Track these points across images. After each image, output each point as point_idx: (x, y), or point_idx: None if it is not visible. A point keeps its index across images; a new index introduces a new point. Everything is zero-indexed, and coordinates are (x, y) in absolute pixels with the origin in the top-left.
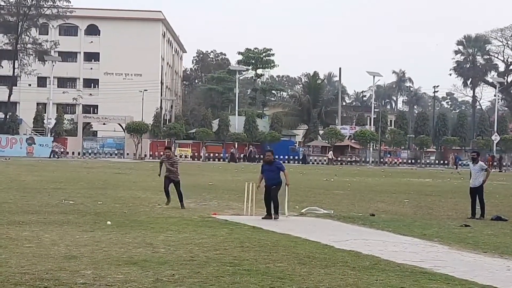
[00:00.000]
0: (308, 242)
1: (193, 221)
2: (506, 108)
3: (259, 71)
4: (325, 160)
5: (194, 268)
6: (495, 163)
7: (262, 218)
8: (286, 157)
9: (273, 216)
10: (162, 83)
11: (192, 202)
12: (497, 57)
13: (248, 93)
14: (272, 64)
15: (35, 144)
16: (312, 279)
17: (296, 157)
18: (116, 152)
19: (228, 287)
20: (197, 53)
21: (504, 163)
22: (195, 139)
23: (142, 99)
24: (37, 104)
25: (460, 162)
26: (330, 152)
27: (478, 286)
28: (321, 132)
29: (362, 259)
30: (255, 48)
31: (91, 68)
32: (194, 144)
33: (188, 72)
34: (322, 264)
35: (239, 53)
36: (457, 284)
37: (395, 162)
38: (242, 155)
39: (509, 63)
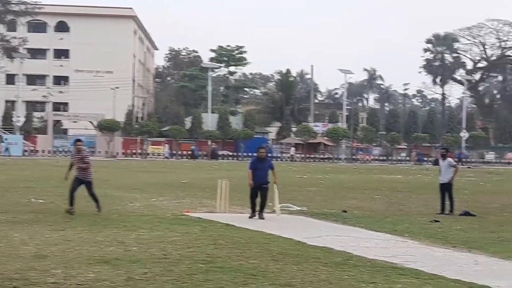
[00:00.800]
0: (281, 239)
1: (166, 219)
2: (474, 106)
3: (232, 68)
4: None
5: (166, 266)
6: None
7: (249, 217)
8: None
9: (260, 216)
10: (133, 80)
11: (165, 200)
12: (465, 55)
13: (221, 90)
14: (245, 62)
15: (3, 142)
16: (285, 276)
17: (269, 155)
18: (87, 150)
19: (201, 284)
20: (169, 50)
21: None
22: (168, 137)
23: (114, 96)
24: (6, 101)
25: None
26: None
27: (447, 281)
28: (294, 129)
29: (334, 255)
30: (228, 46)
31: (61, 65)
32: (167, 142)
33: (160, 70)
34: (295, 260)
35: (212, 50)
36: (427, 279)
37: (367, 159)
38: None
39: (476, 61)
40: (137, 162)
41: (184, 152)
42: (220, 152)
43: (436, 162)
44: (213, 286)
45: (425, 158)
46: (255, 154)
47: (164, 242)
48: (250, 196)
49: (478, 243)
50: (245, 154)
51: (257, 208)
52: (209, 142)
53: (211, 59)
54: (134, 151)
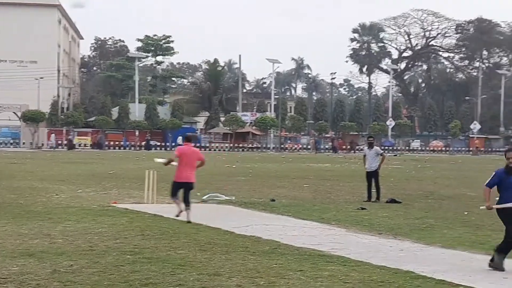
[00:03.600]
0: (209, 228)
1: (92, 211)
2: (400, 94)
3: (159, 58)
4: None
5: (93, 258)
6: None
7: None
8: None
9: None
10: (58, 70)
11: (92, 191)
12: (390, 45)
13: (148, 80)
14: (172, 51)
15: None
16: (213, 265)
17: (198, 145)
18: (11, 141)
19: (128, 276)
20: (94, 40)
21: (321, 146)
22: (94, 128)
23: (38, 87)
24: None
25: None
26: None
27: (373, 267)
28: (222, 119)
29: (262, 244)
30: (154, 35)
31: None
32: (94, 132)
33: (86, 59)
34: (223, 250)
35: (138, 40)
36: (353, 265)
37: (295, 148)
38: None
39: (402, 51)
40: (62, 153)
41: (112, 143)
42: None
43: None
44: (140, 277)
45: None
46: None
47: (91, 234)
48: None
49: (403, 229)
50: (173, 144)
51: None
52: (137, 133)
53: (138, 49)
54: (60, 142)
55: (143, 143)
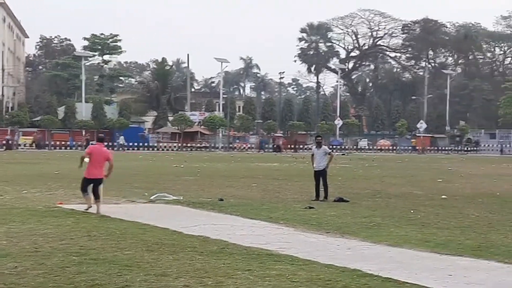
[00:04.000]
0: (156, 228)
1: (38, 212)
2: (348, 94)
3: (106, 57)
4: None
5: (38, 259)
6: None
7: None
8: (136, 144)
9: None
10: (3, 69)
11: (37, 192)
12: (338, 45)
13: (95, 79)
14: (119, 50)
15: None
16: (160, 266)
17: (146, 144)
18: None
19: (74, 277)
20: (40, 38)
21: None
22: (40, 127)
23: None
24: None
25: (264, 146)
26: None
27: (320, 265)
28: (170, 118)
29: (210, 243)
30: (101, 34)
31: None
32: (39, 132)
33: (31, 58)
34: (171, 250)
35: (85, 38)
36: (301, 264)
37: (244, 147)
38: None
39: (349, 50)
40: (7, 153)
41: (58, 143)
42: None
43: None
44: (86, 279)
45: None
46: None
47: (36, 235)
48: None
49: (351, 228)
50: (121, 143)
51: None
52: (83, 132)
53: (85, 48)
54: (3, 142)
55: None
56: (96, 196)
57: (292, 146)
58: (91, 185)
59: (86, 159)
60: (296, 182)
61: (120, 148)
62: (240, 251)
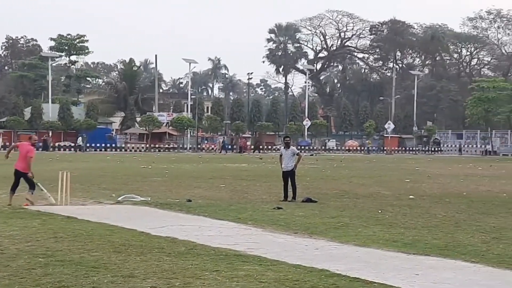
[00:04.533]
0: (124, 230)
1: (3, 213)
2: (316, 94)
3: (73, 57)
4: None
5: (3, 261)
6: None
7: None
8: (103, 145)
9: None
10: None
11: (3, 194)
12: (306, 45)
13: (62, 80)
14: (87, 51)
15: None
16: (128, 267)
17: (113, 145)
18: None
19: (40, 279)
20: (6, 38)
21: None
22: (6, 128)
23: None
24: None
25: (226, 147)
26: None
27: (288, 266)
28: (138, 119)
29: (178, 244)
30: (68, 34)
31: None
32: (5, 133)
33: None
34: (138, 251)
35: (51, 39)
36: (269, 265)
37: (212, 148)
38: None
39: (317, 51)
40: None
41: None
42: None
43: (240, 149)
44: (52, 280)
45: (229, 146)
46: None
47: (1, 237)
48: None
49: (319, 228)
50: (88, 145)
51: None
52: (49, 134)
53: (51, 48)
54: None
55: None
56: (13, 188)
57: (254, 147)
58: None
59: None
60: (265, 183)
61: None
62: (208, 252)
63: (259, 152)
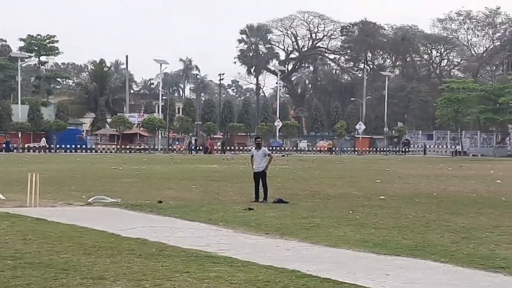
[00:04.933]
0: (94, 231)
1: None
2: (287, 95)
3: (43, 58)
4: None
5: None
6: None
7: None
8: (74, 146)
9: None
10: None
11: None
12: (278, 46)
13: (31, 81)
14: (56, 51)
15: None
16: (97, 269)
17: (84, 146)
18: None
19: (9, 282)
20: None
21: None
22: None
23: None
24: None
25: (192, 147)
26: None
27: (259, 267)
28: (109, 120)
29: (148, 246)
30: (38, 35)
31: None
32: None
33: None
34: (108, 253)
35: (21, 39)
36: (240, 266)
37: (179, 149)
38: None
39: (289, 52)
40: None
41: None
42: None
43: (206, 150)
44: (21, 283)
45: (195, 147)
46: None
47: None
48: None
49: (290, 229)
50: (58, 146)
51: None
52: (19, 135)
53: (21, 49)
54: None
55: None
56: None
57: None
58: None
59: None
60: (236, 184)
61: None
62: (179, 253)
63: (224, 153)
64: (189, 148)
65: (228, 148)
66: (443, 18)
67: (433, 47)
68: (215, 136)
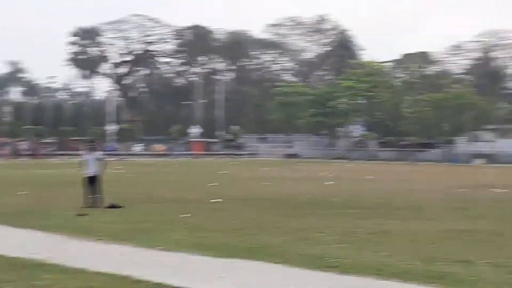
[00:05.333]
0: None
1: None
2: (122, 99)
3: None
4: None
5: None
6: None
7: None
8: None
9: None
10: None
11: None
12: (111, 49)
13: None
14: None
15: None
16: None
17: None
18: None
19: None
20: None
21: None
22: None
23: None
24: None
25: (18, 152)
26: None
27: (92, 273)
28: None
29: None
30: None
31: None
32: None
33: None
34: None
35: None
36: (72, 273)
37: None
38: None
39: (122, 55)
40: None
41: None
42: None
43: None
44: None
45: (26, 152)
46: None
47: None
48: None
49: (124, 234)
50: None
51: None
52: None
53: None
54: None
55: None
56: None
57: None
58: None
59: None
60: (70, 189)
61: None
62: (5, 261)
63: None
64: (15, 152)
65: (61, 153)
66: (275, 23)
67: (264, 52)
68: (47, 141)
